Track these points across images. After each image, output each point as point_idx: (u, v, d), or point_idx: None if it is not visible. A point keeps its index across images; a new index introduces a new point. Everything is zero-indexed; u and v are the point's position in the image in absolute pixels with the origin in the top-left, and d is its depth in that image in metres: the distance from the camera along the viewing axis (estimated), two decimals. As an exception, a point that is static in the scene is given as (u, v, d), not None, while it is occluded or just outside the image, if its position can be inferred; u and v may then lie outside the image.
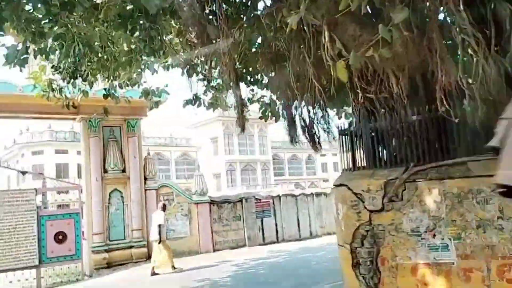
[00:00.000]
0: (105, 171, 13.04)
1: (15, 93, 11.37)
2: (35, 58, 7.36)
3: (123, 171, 13.37)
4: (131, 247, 13.08)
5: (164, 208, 11.64)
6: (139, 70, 7.97)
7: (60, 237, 12.21)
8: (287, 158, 60.49)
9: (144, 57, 7.42)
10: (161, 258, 11.11)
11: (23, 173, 11.60)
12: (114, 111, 12.95)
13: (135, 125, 13.79)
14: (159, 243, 11.05)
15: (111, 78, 8.36)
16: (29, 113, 12.31)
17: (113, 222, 13.02)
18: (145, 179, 13.76)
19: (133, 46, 6.97)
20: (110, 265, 12.61)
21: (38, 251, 11.76)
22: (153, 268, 11.01)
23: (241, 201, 15.07)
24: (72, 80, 8.02)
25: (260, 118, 8.27)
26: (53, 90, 8.29)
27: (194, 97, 9.06)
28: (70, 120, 13.53)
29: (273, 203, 15.94)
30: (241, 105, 6.30)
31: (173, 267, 11.29)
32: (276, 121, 7.77)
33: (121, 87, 9.18)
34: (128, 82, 9.11)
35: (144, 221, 13.43)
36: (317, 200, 17.49)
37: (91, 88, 8.71)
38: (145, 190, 13.68)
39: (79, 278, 12.30)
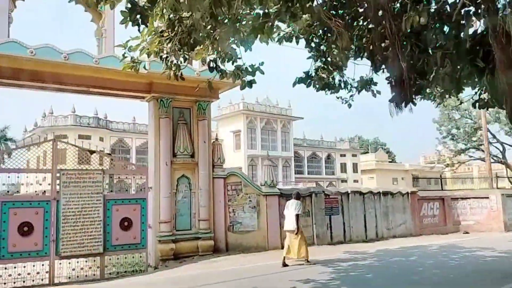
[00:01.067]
0: (174, 155, 12.06)
1: (91, 65, 10.39)
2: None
3: (192, 156, 12.38)
4: (197, 238, 12.09)
5: (298, 196, 10.85)
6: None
7: (126, 224, 11.37)
8: (307, 157, 59.41)
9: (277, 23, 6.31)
10: (296, 249, 10.29)
11: (91, 152, 10.60)
12: (185, 91, 12.05)
13: (206, 107, 12.75)
14: (296, 233, 10.25)
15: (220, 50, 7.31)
16: (100, 88, 11.35)
17: (179, 211, 12.04)
18: (213, 166, 12.75)
19: (272, 9, 5.87)
20: (177, 257, 11.66)
21: (103, 238, 10.89)
22: (284, 258, 10.22)
23: (310, 195, 13.95)
24: (182, 49, 7.01)
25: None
26: (161, 59, 7.22)
27: (306, 75, 7.96)
28: (137, 99, 12.55)
29: (341, 200, 14.79)
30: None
31: (307, 261, 10.37)
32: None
33: (224, 61, 8.05)
34: (226, 56, 8.00)
35: (212, 211, 12.44)
36: (384, 199, 16.27)
37: (202, 60, 7.66)
38: (213, 178, 12.66)
39: (142, 269, 11.40)
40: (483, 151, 36.11)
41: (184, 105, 12.50)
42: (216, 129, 46.20)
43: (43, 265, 10.21)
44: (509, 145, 34.81)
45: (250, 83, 9.19)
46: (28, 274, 10.00)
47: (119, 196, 11.47)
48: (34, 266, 10.12)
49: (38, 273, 10.12)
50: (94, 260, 10.88)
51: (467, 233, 18.55)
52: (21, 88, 10.86)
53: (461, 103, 27.08)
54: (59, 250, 10.34)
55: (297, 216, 10.34)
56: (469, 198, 20.00)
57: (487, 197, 19.68)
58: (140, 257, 11.49)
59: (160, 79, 11.44)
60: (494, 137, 34.73)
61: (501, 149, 35.15)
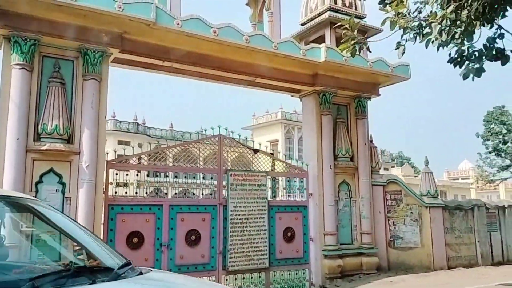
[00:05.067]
0: (335, 157, 10.53)
1: (270, 50, 8.96)
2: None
3: (351, 159, 10.83)
4: (360, 254, 10.48)
5: None
6: None
7: (289, 235, 9.84)
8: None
9: None
10: None
11: (255, 151, 9.16)
12: (347, 85, 10.58)
13: (366, 104, 11.23)
14: None
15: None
16: (265, 79, 9.90)
17: (341, 222, 10.47)
18: (371, 172, 11.16)
19: None
20: (343, 275, 10.06)
21: (268, 250, 9.39)
22: None
23: (472, 209, 12.18)
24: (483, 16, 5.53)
25: None
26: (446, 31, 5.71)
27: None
28: (289, 93, 11.08)
29: (498, 215, 12.96)
30: None
31: None
32: None
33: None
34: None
35: (373, 223, 10.82)
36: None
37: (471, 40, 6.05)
38: (372, 185, 11.06)
39: (306, 288, 9.84)
40: None
41: (342, 101, 11.00)
42: (252, 138, 44.86)
43: (210, 281, 8.76)
44: None
45: (479, 72, 7.56)
46: (196, 290, 8.54)
47: (282, 202, 9.98)
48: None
49: (205, 290, 8.66)
50: (259, 276, 9.37)
51: None
52: (182, 76, 9.49)
53: None
54: (227, 264, 8.88)
55: None
56: None
57: None
58: (303, 273, 9.93)
59: (325, 70, 10.13)
60: None
61: None
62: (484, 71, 6.81)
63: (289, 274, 9.74)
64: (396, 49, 6.74)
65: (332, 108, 10.69)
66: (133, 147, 10.03)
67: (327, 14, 10.66)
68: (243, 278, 9.15)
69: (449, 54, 6.31)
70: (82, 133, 7.36)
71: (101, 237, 7.46)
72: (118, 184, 7.98)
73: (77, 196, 7.23)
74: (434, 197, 11.55)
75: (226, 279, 8.95)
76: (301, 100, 11.18)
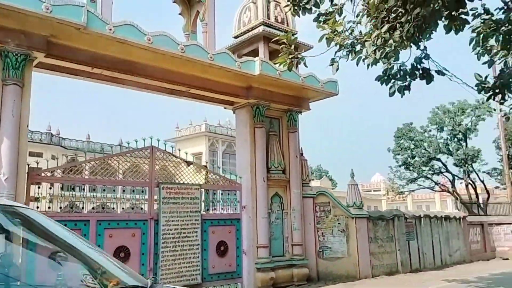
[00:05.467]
0: (268, 170, 10.62)
1: (205, 61, 8.83)
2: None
3: (283, 172, 10.99)
4: (291, 265, 10.60)
5: None
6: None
7: (222, 249, 9.70)
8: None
9: None
10: None
11: (189, 163, 9.01)
12: (280, 99, 10.81)
13: (297, 118, 11.48)
14: None
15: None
16: (198, 89, 9.73)
17: (273, 234, 10.53)
18: (302, 184, 11.39)
19: None
20: (275, 287, 10.09)
21: (201, 265, 9.18)
22: None
23: (393, 219, 12.86)
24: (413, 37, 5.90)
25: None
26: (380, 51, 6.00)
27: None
28: (223, 105, 11.00)
29: (415, 224, 13.82)
30: None
31: None
32: None
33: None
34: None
35: (304, 234, 11.02)
36: (445, 224, 15.49)
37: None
38: (302, 197, 11.28)
39: (238, 303, 9.72)
40: (432, 180, 37.14)
41: (274, 115, 11.16)
42: (175, 150, 44.31)
43: (140, 299, 8.32)
44: (458, 177, 35.87)
45: (404, 90, 8.10)
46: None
47: (215, 216, 9.82)
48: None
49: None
50: (191, 293, 9.09)
51: (506, 259, 18.14)
52: (112, 84, 9.02)
53: None
54: (158, 280, 8.49)
55: None
56: (503, 224, 19.77)
57: (520, 223, 19.53)
58: (236, 287, 9.80)
59: (259, 83, 10.26)
60: (445, 167, 35.77)
61: (451, 179, 36.16)
62: (409, 89, 7.25)
63: (222, 288, 9.57)
64: (330, 65, 6.96)
65: (265, 121, 10.79)
66: (47, 160, 9.29)
67: (260, 29, 10.80)
68: (175, 295, 8.81)
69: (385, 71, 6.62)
70: (1, 142, 6.69)
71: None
72: (36, 199, 7.34)
73: (-8, 212, 6.52)
74: (360, 208, 12.04)
75: (157, 297, 8.55)
76: (234, 113, 11.16)
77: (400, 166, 37.85)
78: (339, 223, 11.70)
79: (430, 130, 36.76)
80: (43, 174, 7.47)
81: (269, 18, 11.11)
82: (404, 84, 7.12)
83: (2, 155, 6.67)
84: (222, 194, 10.10)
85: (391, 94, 7.25)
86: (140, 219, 8.55)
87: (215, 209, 10.19)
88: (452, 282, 10.94)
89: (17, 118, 6.88)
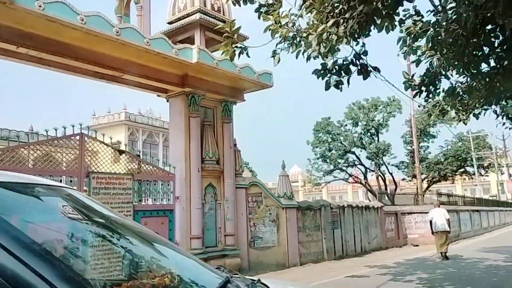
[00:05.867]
0: (202, 160, 10.51)
1: (141, 45, 8.46)
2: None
3: (217, 162, 10.95)
4: (224, 256, 10.62)
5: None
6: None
7: (155, 240, 9.39)
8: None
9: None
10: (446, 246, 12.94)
11: (121, 152, 8.70)
12: (216, 88, 10.78)
13: (232, 109, 11.47)
14: (449, 233, 13.28)
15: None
16: (133, 76, 9.31)
17: (206, 225, 10.46)
18: (235, 175, 11.43)
19: None
20: (208, 279, 10.03)
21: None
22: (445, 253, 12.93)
23: (320, 209, 13.37)
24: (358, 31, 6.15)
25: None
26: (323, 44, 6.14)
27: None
28: (156, 93, 10.65)
29: (339, 214, 14.50)
30: None
31: (446, 256, 12.95)
32: None
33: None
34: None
35: (236, 225, 11.08)
36: (365, 213, 16.44)
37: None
38: (236, 187, 11.33)
39: (170, 294, 9.53)
40: (347, 172, 39.70)
41: (209, 105, 11.05)
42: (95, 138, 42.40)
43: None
44: (370, 169, 38.65)
45: (339, 84, 8.44)
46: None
47: (148, 207, 9.49)
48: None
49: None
50: None
51: (417, 245, 19.72)
52: (39, 65, 8.31)
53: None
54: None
55: (448, 220, 13.32)
56: (414, 213, 21.43)
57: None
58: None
59: (196, 72, 10.13)
60: (359, 159, 38.37)
61: (363, 171, 38.87)
62: (343, 83, 7.53)
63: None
64: (272, 57, 7.03)
65: (200, 111, 10.64)
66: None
67: (197, 16, 10.59)
68: (105, 290, 8.43)
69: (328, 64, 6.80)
70: None
71: None
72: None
73: None
74: (290, 199, 12.38)
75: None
76: (167, 101, 10.87)
77: (318, 158, 39.35)
78: (270, 213, 11.93)
79: (346, 125, 38.59)
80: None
81: (205, 6, 10.92)
82: (340, 78, 7.38)
83: None
84: (155, 184, 9.79)
85: (327, 88, 7.48)
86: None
87: (147, 200, 9.84)
88: (373, 268, 11.65)
89: None
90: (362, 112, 37.59)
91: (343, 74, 7.29)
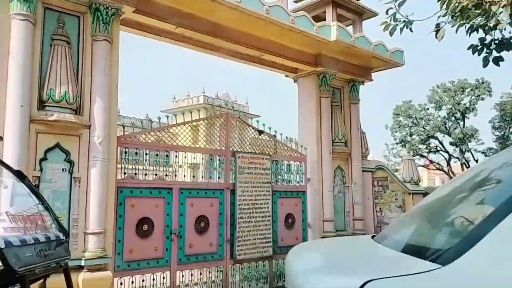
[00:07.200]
0: (332, 142, 10.28)
1: (286, 23, 8.34)
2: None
3: (345, 144, 10.66)
4: (353, 240, 10.37)
5: None
6: None
7: (290, 221, 9.42)
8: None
9: None
10: None
11: (260, 132, 8.64)
12: (345, 67, 10.39)
13: (359, 89, 11.10)
14: None
15: None
16: (271, 54, 9.25)
17: (336, 208, 10.26)
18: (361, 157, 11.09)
19: None
20: (340, 262, 9.88)
21: (272, 238, 8.92)
22: None
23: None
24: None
25: None
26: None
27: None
28: (284, 73, 10.56)
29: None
30: None
31: None
32: None
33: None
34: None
35: (363, 209, 10.78)
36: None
37: None
38: (362, 171, 10.99)
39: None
40: (427, 158, 37.10)
41: (337, 85, 10.73)
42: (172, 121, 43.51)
43: (218, 271, 8.07)
44: (454, 156, 35.89)
45: (498, 60, 7.70)
46: (204, 282, 7.83)
47: (283, 187, 9.47)
48: (209, 271, 7.97)
49: (213, 281, 7.98)
50: (264, 265, 8.84)
51: None
52: (188, 46, 8.48)
53: None
54: (234, 253, 8.22)
55: None
56: None
57: None
58: (302, 261, 9.56)
59: (330, 51, 9.81)
60: (442, 145, 35.72)
61: (446, 158, 36.21)
62: (503, 60, 6.84)
63: (290, 262, 9.32)
64: (435, 31, 6.55)
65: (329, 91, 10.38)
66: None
67: (330, -7, 10.25)
68: (249, 267, 8.58)
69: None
70: (94, 103, 6.23)
71: (112, 224, 6.44)
72: (126, 164, 6.95)
73: (87, 177, 6.13)
74: (416, 184, 11.81)
75: (233, 269, 8.32)
76: (295, 81, 10.73)
77: (397, 143, 37.71)
78: (396, 199, 11.48)
79: (428, 109, 36.46)
80: (129, 139, 7.04)
81: (336, -18, 10.54)
82: (499, 54, 6.73)
83: (96, 117, 6.22)
84: (289, 165, 9.73)
85: (485, 65, 6.87)
86: (218, 188, 8.20)
87: (282, 181, 9.81)
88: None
89: (108, 77, 6.40)
90: (447, 95, 35.32)
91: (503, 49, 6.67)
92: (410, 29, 6.91)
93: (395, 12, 6.55)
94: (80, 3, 6.34)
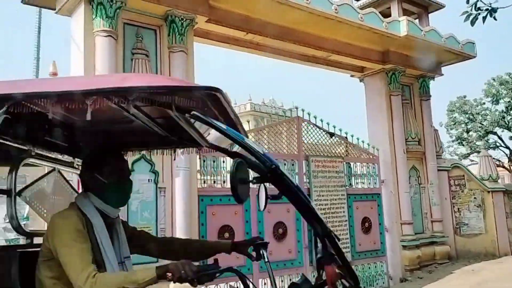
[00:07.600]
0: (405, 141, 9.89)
1: (356, 22, 8.13)
2: None
3: (419, 143, 10.23)
4: (433, 243, 9.90)
5: None
6: None
7: (367, 225, 9.09)
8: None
9: None
10: None
11: (331, 134, 8.38)
12: (413, 63, 9.96)
13: (429, 84, 10.65)
14: None
15: None
16: (340, 55, 9.06)
17: (413, 210, 9.82)
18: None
19: None
20: (420, 266, 9.45)
21: (349, 242, 8.63)
22: None
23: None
24: None
25: None
26: None
27: None
28: (349, 73, 10.31)
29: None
30: None
31: None
32: None
33: None
34: None
35: (442, 210, 10.27)
36: None
37: None
38: (437, 170, 10.49)
39: (383, 282, 9.13)
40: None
41: (405, 81, 10.34)
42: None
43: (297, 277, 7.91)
44: None
45: None
46: (284, 289, 7.70)
47: (357, 190, 9.19)
48: (290, 279, 7.83)
49: (294, 288, 7.81)
50: (343, 271, 8.58)
51: None
52: (256, 52, 8.45)
53: None
54: (312, 258, 8.04)
55: None
56: None
57: None
58: (381, 266, 9.22)
59: (398, 46, 9.45)
60: (502, 141, 33.32)
61: (508, 154, 33.65)
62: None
63: (369, 267, 9.01)
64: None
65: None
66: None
67: (395, -13, 9.93)
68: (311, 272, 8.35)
69: None
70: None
71: (196, 233, 6.46)
72: (204, 173, 6.98)
73: (171, 186, 6.19)
74: (495, 181, 11.13)
75: (313, 275, 8.12)
76: (361, 81, 10.44)
77: (453, 141, 35.79)
78: (475, 198, 10.85)
79: (484, 103, 34.41)
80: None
81: (401, -24, 10.21)
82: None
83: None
84: (362, 167, 9.43)
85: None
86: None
87: (357, 183, 9.52)
88: None
89: (186, 88, 6.44)
90: (505, 88, 33.24)
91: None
92: (494, 18, 6.51)
93: (477, 0, 6.18)
94: (157, 17, 6.46)
